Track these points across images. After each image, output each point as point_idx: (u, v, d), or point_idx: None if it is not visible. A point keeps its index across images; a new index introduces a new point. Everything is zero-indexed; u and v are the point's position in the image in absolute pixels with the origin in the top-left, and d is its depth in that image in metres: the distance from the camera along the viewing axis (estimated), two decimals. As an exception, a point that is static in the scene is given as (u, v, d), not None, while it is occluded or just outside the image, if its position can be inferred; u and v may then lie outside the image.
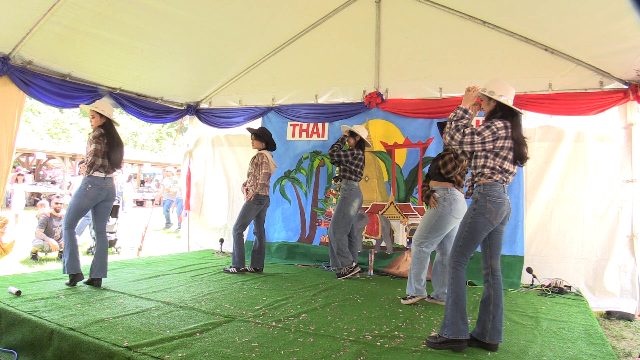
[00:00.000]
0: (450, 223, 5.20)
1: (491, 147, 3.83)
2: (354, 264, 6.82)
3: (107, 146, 5.67)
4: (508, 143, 3.85)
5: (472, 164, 4.00)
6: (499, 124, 3.82)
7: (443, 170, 5.19)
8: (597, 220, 6.40)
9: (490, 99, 3.98)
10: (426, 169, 7.05)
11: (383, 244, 7.60)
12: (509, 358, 3.73)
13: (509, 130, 3.85)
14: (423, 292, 5.35)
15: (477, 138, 3.82)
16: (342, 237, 6.79)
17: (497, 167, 3.84)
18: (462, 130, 3.85)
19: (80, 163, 5.92)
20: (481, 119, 6.65)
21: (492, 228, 3.86)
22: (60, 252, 8.41)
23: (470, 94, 4.02)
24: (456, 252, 3.92)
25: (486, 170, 3.86)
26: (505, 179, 3.88)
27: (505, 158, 3.86)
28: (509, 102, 3.94)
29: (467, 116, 3.93)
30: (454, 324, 3.80)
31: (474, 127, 3.89)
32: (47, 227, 8.68)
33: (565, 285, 6.20)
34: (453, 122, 3.91)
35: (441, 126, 5.34)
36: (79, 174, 5.67)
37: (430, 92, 7.32)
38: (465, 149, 3.93)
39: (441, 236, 5.29)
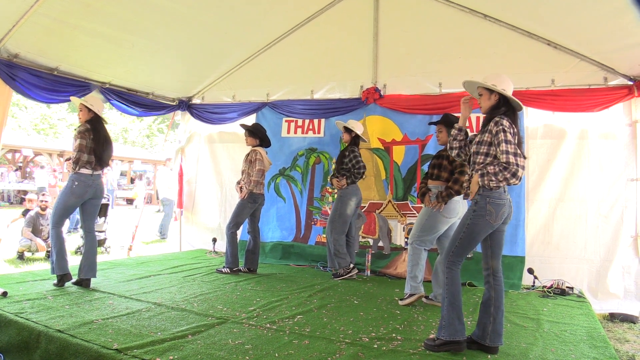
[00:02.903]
0: (441, 222, 5.19)
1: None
2: (351, 266, 6.74)
3: (93, 142, 5.55)
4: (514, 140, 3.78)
5: (472, 160, 3.91)
6: (506, 122, 3.73)
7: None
8: (601, 220, 6.32)
9: (492, 92, 3.89)
10: (425, 167, 7.02)
11: (380, 243, 7.53)
12: (509, 361, 3.69)
13: (513, 127, 3.78)
14: (418, 288, 5.31)
15: (512, 147, 3.64)
16: (339, 237, 6.69)
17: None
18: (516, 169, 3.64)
19: (67, 160, 5.81)
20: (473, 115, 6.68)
21: (491, 230, 3.79)
22: (47, 252, 8.26)
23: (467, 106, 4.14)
24: (451, 252, 3.85)
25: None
26: None
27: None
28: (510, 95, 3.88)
29: (461, 133, 4.07)
30: (451, 324, 3.75)
31: (505, 133, 3.67)
32: (34, 225, 8.51)
33: (567, 287, 6.13)
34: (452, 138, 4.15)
35: (447, 123, 5.26)
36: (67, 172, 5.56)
37: (429, 88, 7.24)
38: (521, 162, 3.70)
39: (435, 235, 5.28)
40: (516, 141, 3.72)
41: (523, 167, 3.63)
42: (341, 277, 6.63)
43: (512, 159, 3.58)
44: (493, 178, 3.63)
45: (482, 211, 3.72)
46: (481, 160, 3.80)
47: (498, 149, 3.64)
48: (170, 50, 7.29)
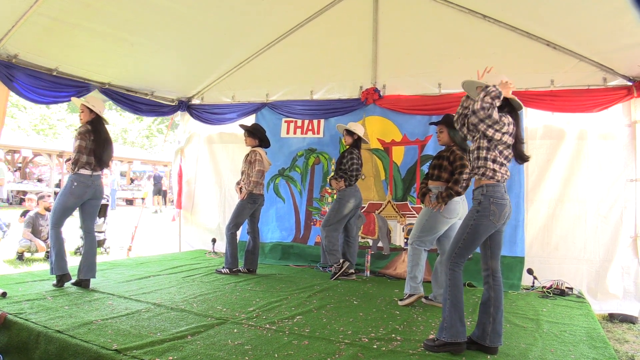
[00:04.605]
0: (441, 223, 5.18)
1: (499, 137, 3.76)
2: (341, 260, 6.73)
3: (94, 143, 5.54)
4: (510, 140, 3.83)
5: (474, 156, 3.91)
6: (507, 119, 3.78)
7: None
8: (600, 220, 6.32)
9: None
10: (424, 167, 7.02)
11: (380, 244, 7.51)
12: (509, 362, 3.69)
13: (512, 126, 3.82)
14: (418, 289, 5.31)
15: (495, 124, 3.70)
16: (331, 234, 6.70)
17: (498, 164, 3.78)
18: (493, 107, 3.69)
19: (67, 161, 5.82)
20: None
21: (494, 230, 3.81)
22: (47, 252, 8.25)
23: (508, 86, 3.90)
24: (455, 253, 3.86)
25: (488, 172, 3.79)
26: (505, 178, 3.84)
27: (506, 157, 3.84)
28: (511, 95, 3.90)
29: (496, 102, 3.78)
30: (452, 326, 3.76)
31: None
32: (33, 226, 8.50)
33: (566, 287, 6.12)
34: (490, 97, 3.72)
35: (448, 124, 5.23)
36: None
37: (428, 88, 7.24)
38: (473, 121, 3.74)
39: (435, 236, 5.27)
40: (510, 141, 3.81)
41: (481, 109, 3.67)
42: (336, 275, 6.65)
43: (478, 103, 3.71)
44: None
45: (486, 212, 3.73)
46: (483, 158, 3.82)
47: None
48: (169, 50, 7.28)
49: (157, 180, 23.90)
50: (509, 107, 3.88)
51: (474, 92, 4.05)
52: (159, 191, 23.48)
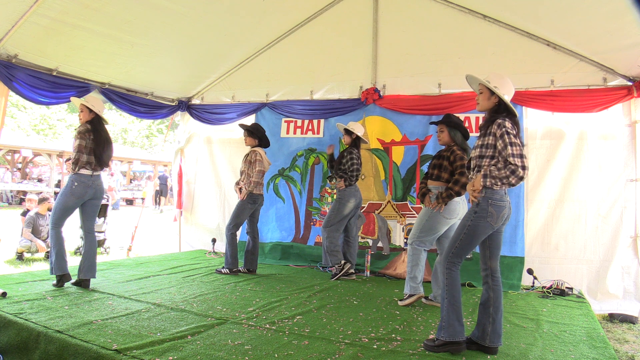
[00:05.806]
0: (441, 223, 5.17)
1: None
2: (342, 262, 6.72)
3: (93, 142, 5.54)
4: None
5: (476, 164, 3.87)
6: (509, 124, 3.70)
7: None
8: (600, 220, 6.32)
9: (492, 93, 3.85)
10: (424, 167, 7.02)
11: (380, 244, 7.51)
12: (509, 362, 3.69)
13: (515, 129, 3.76)
14: (418, 289, 5.29)
15: (517, 149, 3.62)
16: (332, 234, 6.71)
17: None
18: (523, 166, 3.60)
19: (67, 160, 5.81)
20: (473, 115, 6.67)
21: (492, 231, 3.78)
22: (47, 252, 8.24)
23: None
24: (451, 253, 3.84)
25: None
26: None
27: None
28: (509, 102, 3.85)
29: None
30: (451, 325, 3.75)
31: (509, 135, 3.63)
32: (34, 226, 8.49)
33: (566, 287, 6.13)
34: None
35: (449, 123, 5.22)
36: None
37: (428, 88, 7.24)
38: (527, 164, 3.65)
39: (435, 236, 5.26)
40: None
41: (528, 168, 3.61)
42: (336, 276, 6.64)
43: (518, 161, 3.54)
44: (499, 182, 3.60)
45: (483, 213, 3.70)
46: (486, 164, 3.76)
47: (505, 152, 3.60)
48: (169, 50, 7.28)
49: (163, 180, 23.91)
50: (507, 112, 3.81)
51: (476, 86, 4.02)
52: (161, 191, 23.50)
